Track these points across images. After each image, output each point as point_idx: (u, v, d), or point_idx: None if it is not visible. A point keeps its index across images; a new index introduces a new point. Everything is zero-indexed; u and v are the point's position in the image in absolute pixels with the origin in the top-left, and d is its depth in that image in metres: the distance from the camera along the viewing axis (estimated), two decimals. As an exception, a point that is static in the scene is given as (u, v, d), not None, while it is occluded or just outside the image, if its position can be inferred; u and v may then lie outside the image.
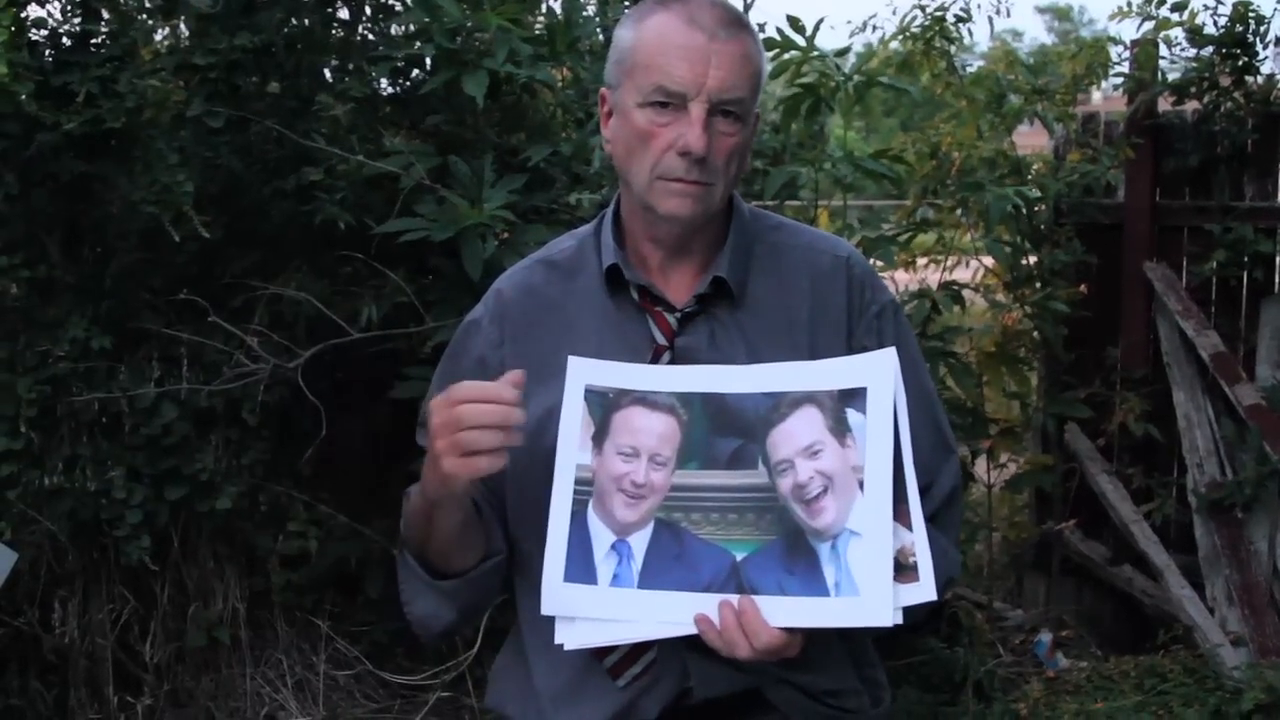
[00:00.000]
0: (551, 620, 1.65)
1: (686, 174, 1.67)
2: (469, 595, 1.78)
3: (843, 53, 3.94)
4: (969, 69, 5.03)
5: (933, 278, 4.39)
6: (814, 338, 1.75)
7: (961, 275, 4.61)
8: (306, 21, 3.98)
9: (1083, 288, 4.76)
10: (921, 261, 4.54)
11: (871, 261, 3.94)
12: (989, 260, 4.67)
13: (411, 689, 4.04)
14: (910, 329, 1.91)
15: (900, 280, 4.37)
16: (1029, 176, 4.73)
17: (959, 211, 4.41)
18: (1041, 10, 38.19)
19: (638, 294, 1.77)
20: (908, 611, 1.59)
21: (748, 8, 3.93)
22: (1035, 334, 4.71)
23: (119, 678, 3.91)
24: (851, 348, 1.77)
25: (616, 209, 1.82)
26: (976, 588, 4.83)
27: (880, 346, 1.77)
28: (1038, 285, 4.66)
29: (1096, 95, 6.43)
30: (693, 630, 1.60)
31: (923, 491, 1.76)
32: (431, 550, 1.73)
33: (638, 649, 1.73)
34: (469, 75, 3.59)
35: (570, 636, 1.62)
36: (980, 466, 4.61)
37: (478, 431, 1.54)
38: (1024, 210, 4.49)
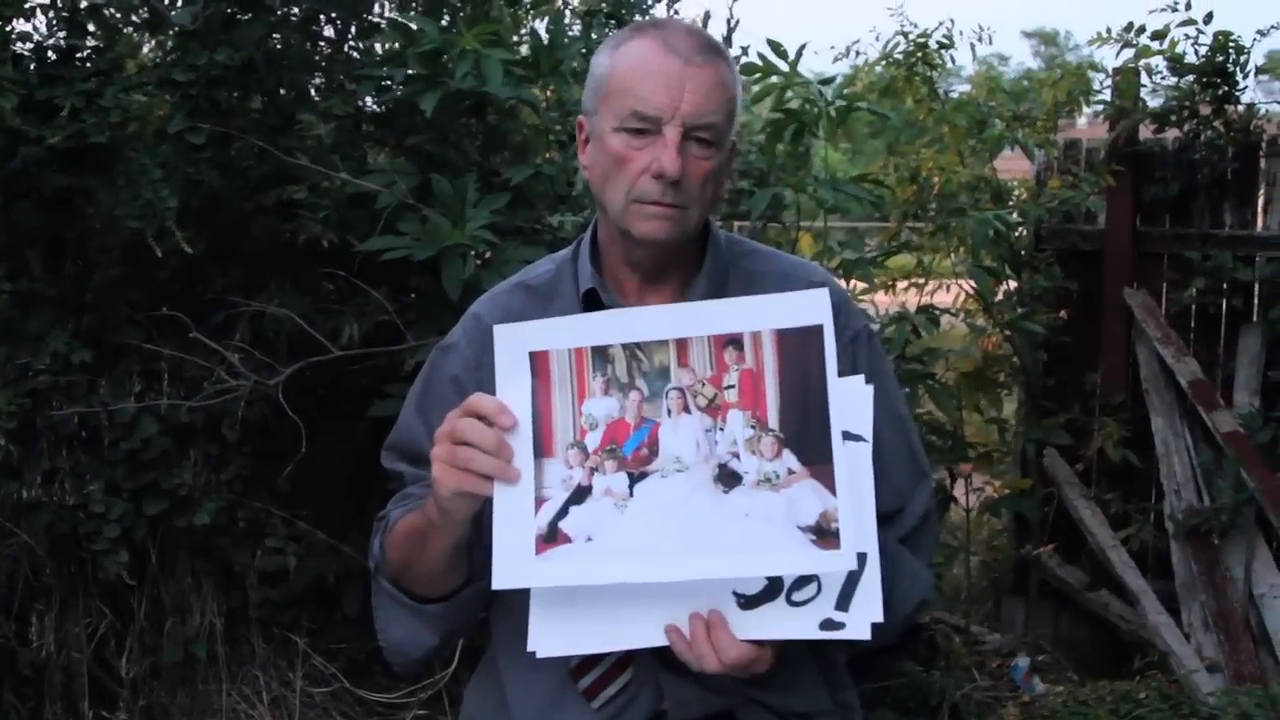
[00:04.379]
0: (525, 643, 1.64)
1: (661, 197, 1.68)
2: (453, 619, 1.78)
3: (827, 81, 3.96)
4: (954, 93, 5.07)
5: (912, 301, 4.41)
6: None
7: (942, 299, 4.63)
8: (290, 39, 3.98)
9: (1062, 313, 4.80)
10: (901, 285, 4.56)
11: (851, 283, 3.96)
12: (969, 284, 4.69)
13: (388, 707, 4.03)
14: (884, 354, 1.92)
15: (880, 303, 4.38)
16: (1010, 202, 4.76)
17: (938, 236, 4.43)
18: (1028, 35, 38.34)
19: None
20: (880, 629, 1.59)
21: (731, 31, 3.96)
22: (1014, 359, 4.73)
23: (95, 692, 3.89)
24: None
25: (594, 234, 1.83)
26: (954, 611, 4.82)
27: (854, 372, 1.77)
28: (1018, 310, 4.68)
29: (1082, 121, 6.48)
30: (665, 642, 1.60)
31: (896, 514, 1.79)
32: (416, 574, 1.73)
33: (613, 670, 1.74)
34: (426, 92, 3.59)
35: (543, 645, 1.61)
36: (959, 490, 4.62)
37: (472, 450, 1.56)
38: (1004, 235, 4.51)
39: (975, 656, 4.57)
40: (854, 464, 1.60)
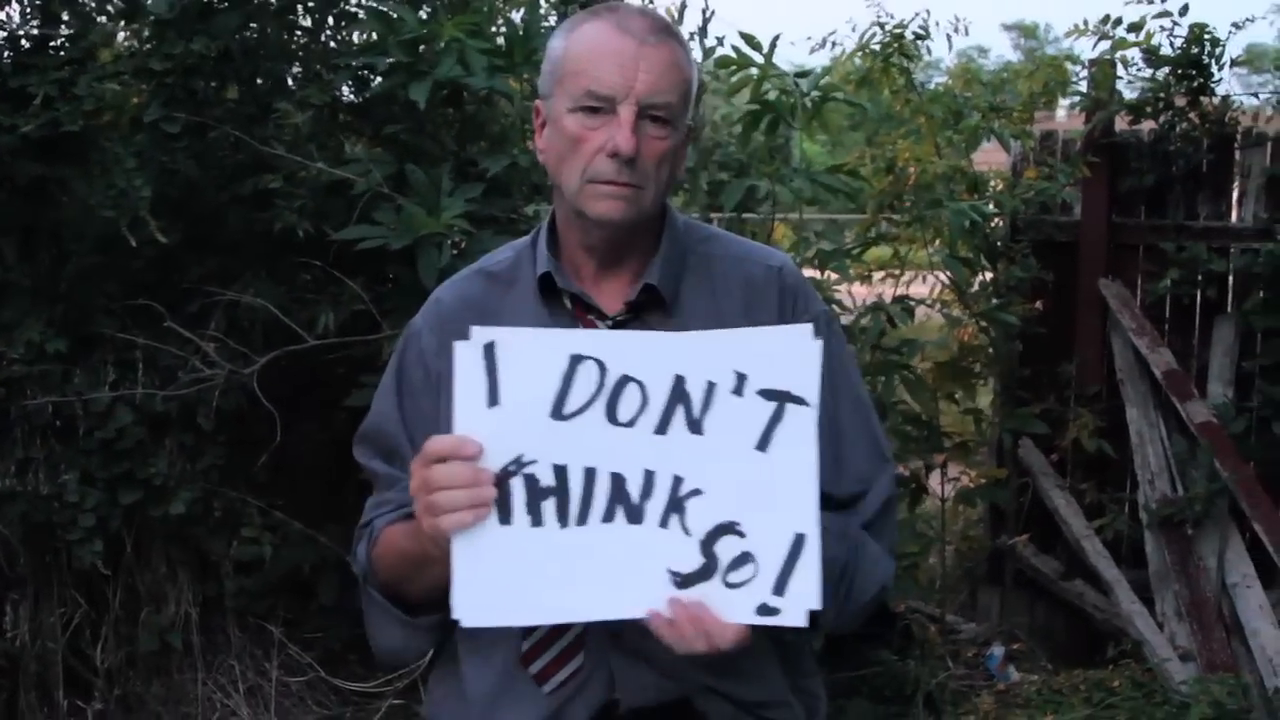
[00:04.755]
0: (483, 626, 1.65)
1: (616, 176, 1.68)
2: (447, 626, 1.74)
3: (804, 74, 3.96)
4: (934, 84, 5.06)
5: (888, 292, 4.41)
6: None
7: (918, 290, 4.63)
8: (267, 28, 3.98)
9: (1038, 304, 4.80)
10: (878, 276, 4.57)
11: (826, 274, 3.96)
12: (945, 275, 4.70)
13: (364, 696, 4.03)
14: (843, 339, 1.91)
15: (857, 294, 4.39)
16: (986, 193, 4.76)
17: (914, 227, 4.43)
18: (1008, 27, 38.38)
19: (571, 302, 1.76)
20: (844, 616, 1.62)
21: (707, 21, 3.95)
22: (990, 349, 4.74)
23: (69, 682, 3.90)
24: None
25: (552, 220, 1.81)
26: (929, 600, 4.84)
27: None
28: (993, 301, 4.69)
29: (1061, 112, 6.50)
30: (597, 618, 1.59)
31: (858, 499, 1.79)
32: (411, 591, 1.72)
33: (564, 655, 1.73)
34: (414, 82, 3.60)
35: (469, 614, 1.58)
36: (934, 480, 4.63)
37: (449, 492, 1.55)
38: (980, 226, 4.51)
39: (950, 645, 4.59)
40: (794, 438, 1.55)
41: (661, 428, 1.56)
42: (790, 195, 3.93)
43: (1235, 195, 5.00)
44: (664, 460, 1.56)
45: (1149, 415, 4.76)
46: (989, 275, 4.91)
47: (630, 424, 1.56)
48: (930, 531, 4.68)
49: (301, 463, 4.07)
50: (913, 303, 4.28)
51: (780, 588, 1.55)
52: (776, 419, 1.55)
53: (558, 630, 1.72)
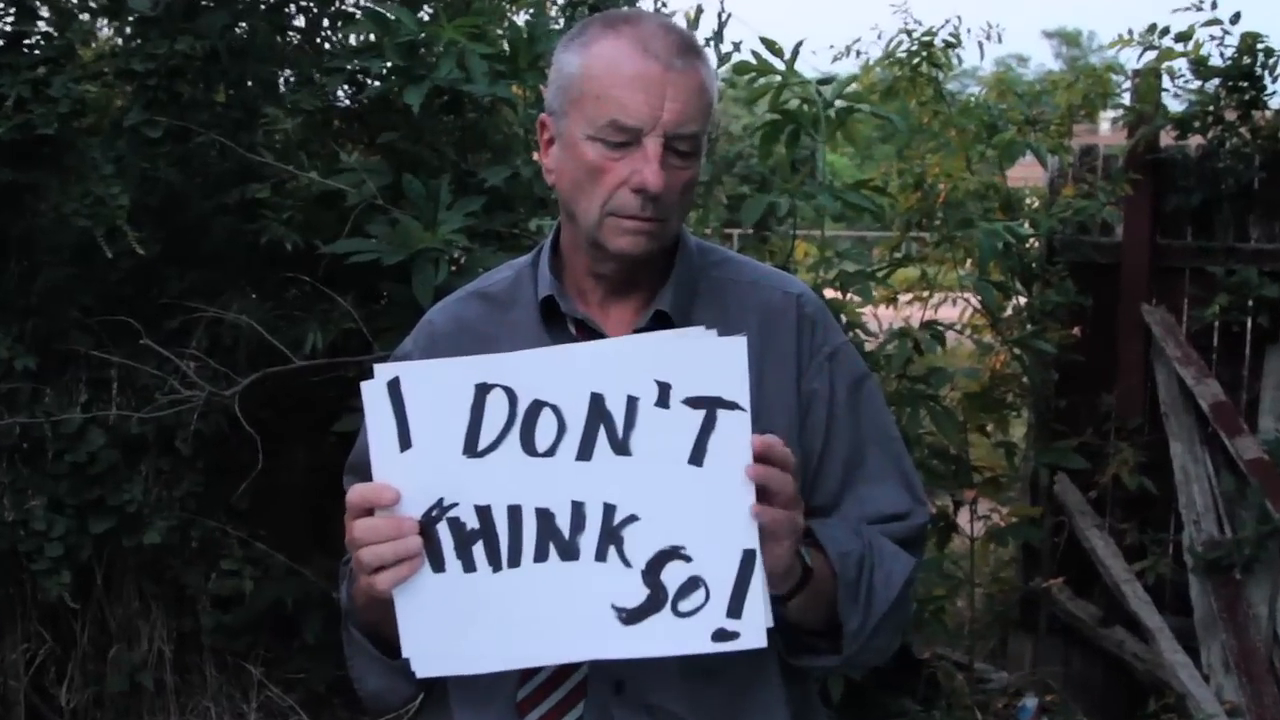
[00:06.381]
0: (471, 678, 1.61)
1: (640, 211, 1.62)
2: None
3: (826, 82, 3.78)
4: (969, 92, 4.89)
5: (916, 315, 4.22)
6: (761, 376, 1.64)
7: (948, 313, 4.46)
8: (257, 28, 3.91)
9: (1076, 331, 4.66)
10: (905, 298, 4.37)
11: (848, 297, 3.76)
12: (976, 299, 4.50)
13: (349, 741, 3.94)
14: (866, 369, 1.83)
15: (882, 318, 4.19)
16: (1022, 212, 4.58)
17: (944, 247, 4.24)
18: (1049, 34, 38.24)
19: (575, 327, 1.71)
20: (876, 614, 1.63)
21: (723, 26, 3.82)
22: (1024, 379, 4.55)
23: (32, 723, 3.84)
24: (800, 389, 1.72)
25: (555, 239, 1.76)
26: (957, 647, 4.69)
27: (830, 390, 1.74)
28: (1028, 327, 4.50)
29: (1105, 126, 6.31)
30: (546, 663, 1.59)
31: (889, 519, 1.76)
32: (387, 632, 1.66)
33: (561, 706, 1.68)
34: (410, 85, 3.52)
35: (422, 664, 1.56)
36: (963, 517, 4.43)
37: (374, 548, 1.53)
38: (1014, 247, 4.31)
39: (979, 696, 4.42)
40: (729, 447, 1.48)
41: (584, 453, 1.50)
42: (812, 211, 3.74)
43: (1288, 216, 4.80)
44: (591, 489, 1.51)
45: (1194, 451, 4.60)
46: (1023, 299, 4.74)
47: (550, 453, 1.51)
48: (959, 572, 4.50)
49: (286, 491, 3.98)
50: (942, 328, 4.10)
51: (736, 609, 1.50)
52: (708, 428, 1.49)
53: (556, 678, 1.69)
